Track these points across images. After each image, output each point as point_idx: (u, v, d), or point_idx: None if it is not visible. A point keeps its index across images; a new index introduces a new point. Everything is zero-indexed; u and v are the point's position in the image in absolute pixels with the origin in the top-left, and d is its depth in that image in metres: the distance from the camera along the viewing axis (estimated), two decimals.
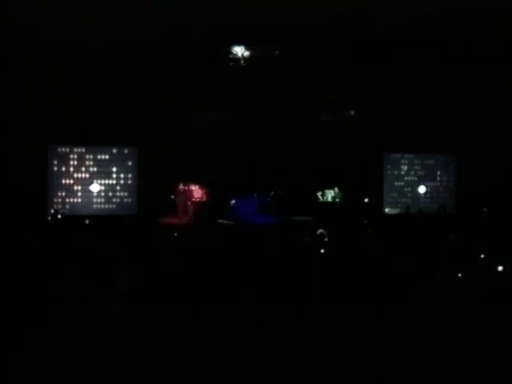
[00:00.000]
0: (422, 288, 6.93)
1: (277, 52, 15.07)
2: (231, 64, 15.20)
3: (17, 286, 6.71)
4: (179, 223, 13.86)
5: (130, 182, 15.31)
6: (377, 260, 8.22)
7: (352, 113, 16.29)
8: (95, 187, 14.99)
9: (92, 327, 5.57)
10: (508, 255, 8.00)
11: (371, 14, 12.52)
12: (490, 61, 14.38)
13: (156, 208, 14.30)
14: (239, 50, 15.14)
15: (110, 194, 15.16)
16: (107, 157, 15.15)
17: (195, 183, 15.24)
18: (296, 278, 7.28)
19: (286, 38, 13.94)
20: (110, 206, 15.15)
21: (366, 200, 15.80)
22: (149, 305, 6.24)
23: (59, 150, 14.83)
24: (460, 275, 7.44)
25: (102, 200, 15.10)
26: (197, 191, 15.24)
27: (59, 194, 14.76)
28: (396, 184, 16.59)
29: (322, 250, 9.03)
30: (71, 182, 14.89)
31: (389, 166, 16.56)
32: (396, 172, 16.62)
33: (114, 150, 15.21)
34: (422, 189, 16.60)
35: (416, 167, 16.71)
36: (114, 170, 15.19)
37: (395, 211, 16.26)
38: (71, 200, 14.84)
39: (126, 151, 15.30)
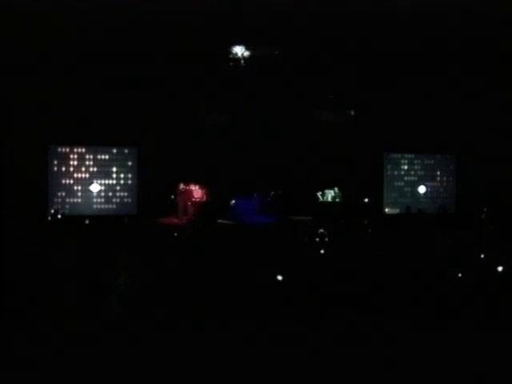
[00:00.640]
0: (421, 288, 6.93)
1: (277, 52, 15.06)
2: (231, 64, 15.20)
3: (17, 286, 6.71)
4: (179, 223, 13.86)
5: (129, 182, 15.30)
6: (377, 260, 8.22)
7: (352, 113, 16.29)
8: (95, 187, 14.99)
9: (91, 327, 5.57)
10: (508, 255, 8.00)
11: (371, 13, 12.51)
12: (490, 61, 14.37)
13: (156, 208, 14.29)
14: (239, 50, 15.14)
15: (110, 193, 15.15)
16: (107, 157, 15.14)
17: (195, 183, 15.24)
18: (296, 278, 7.28)
19: (286, 38, 13.93)
20: (110, 206, 15.14)
21: (366, 200, 15.80)
22: (149, 305, 6.24)
23: (59, 149, 14.82)
24: (460, 275, 7.44)
25: (102, 200, 15.09)
26: (197, 191, 15.23)
27: (59, 194, 14.75)
28: (396, 184, 16.58)
29: (322, 251, 9.03)
30: (71, 182, 14.87)
31: (389, 166, 16.55)
32: (396, 172, 16.61)
33: (114, 150, 15.20)
34: (421, 189, 16.60)
35: (416, 167, 16.70)
36: (114, 170, 15.18)
37: (395, 211, 16.25)
38: (71, 200, 14.83)
39: (126, 151, 15.29)
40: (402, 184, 16.62)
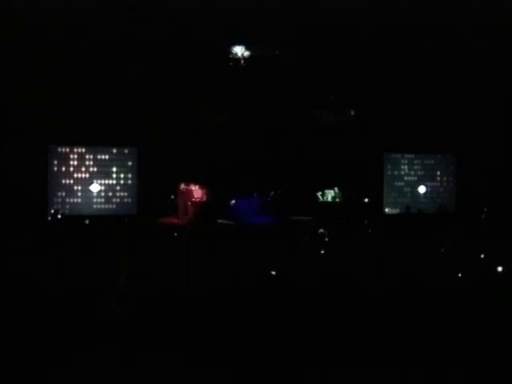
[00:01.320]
0: (421, 288, 6.93)
1: (277, 52, 15.07)
2: (231, 64, 15.20)
3: (17, 286, 6.71)
4: (179, 223, 13.86)
5: (129, 182, 15.30)
6: (377, 260, 8.22)
7: (352, 113, 16.28)
8: (95, 187, 14.99)
9: (91, 327, 5.57)
10: (508, 255, 7.99)
11: (371, 13, 12.52)
12: (490, 61, 14.37)
13: (156, 208, 14.29)
14: (239, 50, 15.14)
15: (110, 194, 15.16)
16: (107, 157, 15.14)
17: (195, 183, 15.24)
18: (296, 278, 7.28)
19: (286, 38, 13.94)
20: (110, 206, 15.15)
21: (366, 200, 15.80)
22: (148, 305, 6.24)
23: (59, 149, 14.82)
24: (460, 275, 7.44)
25: (102, 200, 15.09)
26: (197, 191, 15.23)
27: (59, 193, 14.75)
28: (396, 184, 16.59)
29: (322, 251, 9.03)
30: (71, 182, 14.88)
31: (389, 166, 16.56)
32: (396, 172, 16.61)
33: (114, 150, 15.20)
34: (421, 189, 16.60)
35: (416, 167, 16.71)
36: (114, 170, 15.19)
37: (395, 211, 16.26)
38: (71, 200, 14.83)
39: (126, 151, 15.30)
40: (402, 184, 16.62)
